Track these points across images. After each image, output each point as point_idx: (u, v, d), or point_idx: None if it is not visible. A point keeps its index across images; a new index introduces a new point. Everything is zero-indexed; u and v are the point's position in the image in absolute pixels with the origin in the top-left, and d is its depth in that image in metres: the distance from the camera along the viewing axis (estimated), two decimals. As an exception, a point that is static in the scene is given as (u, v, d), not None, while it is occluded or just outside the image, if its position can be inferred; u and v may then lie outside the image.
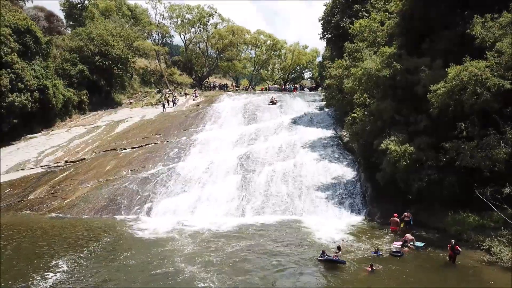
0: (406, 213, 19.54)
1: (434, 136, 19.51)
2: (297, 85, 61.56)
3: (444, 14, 21.73)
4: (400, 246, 17.20)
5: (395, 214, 19.54)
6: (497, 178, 16.86)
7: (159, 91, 51.72)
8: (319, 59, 62.49)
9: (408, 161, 19.20)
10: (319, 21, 40.86)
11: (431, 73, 19.55)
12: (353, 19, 33.73)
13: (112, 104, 47.54)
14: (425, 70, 20.09)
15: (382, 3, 34.18)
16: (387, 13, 29.74)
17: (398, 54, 22.58)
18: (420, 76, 20.14)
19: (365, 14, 33.56)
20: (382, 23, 29.71)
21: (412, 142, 19.79)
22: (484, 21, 18.72)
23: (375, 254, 15.93)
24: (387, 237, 18.74)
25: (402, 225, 19.19)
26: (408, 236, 17.65)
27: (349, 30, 30.72)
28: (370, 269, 14.51)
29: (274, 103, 43.99)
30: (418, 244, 17.38)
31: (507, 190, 15.92)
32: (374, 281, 13.89)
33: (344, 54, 30.32)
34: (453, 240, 15.38)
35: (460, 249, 15.22)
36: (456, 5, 21.60)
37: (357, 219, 21.45)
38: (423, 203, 20.12)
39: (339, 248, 16.08)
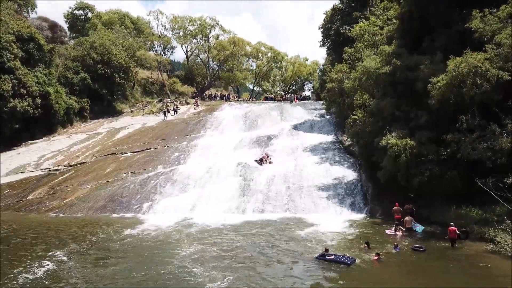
0: (407, 205, 19.47)
1: (434, 131, 19.44)
2: (297, 95, 61.85)
3: (443, 12, 21.92)
4: (393, 232, 17.86)
5: (397, 204, 19.68)
6: (499, 170, 16.71)
7: (160, 101, 51.97)
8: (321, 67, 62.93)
9: (408, 155, 19.08)
10: (319, 28, 41.36)
11: (431, 67, 19.61)
12: (353, 25, 34.11)
13: (113, 112, 47.79)
14: (425, 66, 20.13)
15: (381, 10, 34.66)
16: (386, 17, 30.06)
17: (397, 53, 22.70)
18: (420, 72, 20.17)
19: (365, 21, 33.95)
20: (381, 28, 30.05)
21: (413, 137, 19.71)
22: (483, 15, 18.88)
23: (395, 250, 15.54)
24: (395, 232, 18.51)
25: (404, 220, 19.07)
26: (407, 219, 18.40)
27: (349, 33, 31.00)
28: (377, 257, 14.31)
29: (270, 163, 28.12)
30: (417, 228, 18.15)
31: (510, 180, 15.76)
32: (382, 271, 13.63)
33: (344, 55, 30.50)
34: (451, 223, 16.06)
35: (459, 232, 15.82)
36: (455, 3, 21.79)
37: (359, 217, 21.24)
38: (424, 199, 19.94)
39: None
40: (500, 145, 16.62)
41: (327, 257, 14.34)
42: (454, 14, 21.76)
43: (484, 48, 17.96)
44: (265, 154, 29.26)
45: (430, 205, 19.63)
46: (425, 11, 22.89)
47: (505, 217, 15.87)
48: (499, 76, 16.62)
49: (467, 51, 18.11)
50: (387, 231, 18.22)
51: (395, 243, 15.95)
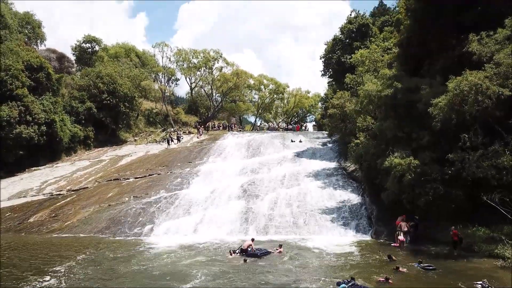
0: (413, 222, 19.41)
1: (437, 151, 19.47)
2: (299, 124, 62.49)
3: (441, 37, 22.53)
4: (397, 244, 18.72)
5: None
6: (505, 188, 16.58)
7: (164, 130, 52.41)
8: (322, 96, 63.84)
9: (413, 174, 19.01)
10: (321, 58, 42.38)
11: (431, 90, 19.90)
12: (354, 54, 35.00)
13: (117, 141, 48.00)
14: (426, 88, 20.46)
15: (380, 40, 35.65)
16: (385, 45, 30.89)
17: (398, 76, 23.13)
18: (421, 94, 20.44)
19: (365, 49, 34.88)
20: (381, 56, 30.79)
21: (416, 158, 19.72)
22: (480, 38, 19.38)
23: (418, 266, 15.30)
24: (400, 252, 18.23)
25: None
26: (402, 223, 19.50)
27: (350, 60, 31.72)
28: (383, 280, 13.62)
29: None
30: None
31: (516, 196, 15.65)
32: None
33: (346, 79, 31.05)
34: (453, 226, 17.05)
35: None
36: (452, 28, 22.43)
37: (364, 238, 20.92)
38: (430, 221, 19.70)
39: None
40: (503, 163, 16.62)
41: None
42: (452, 38, 22.34)
43: (483, 68, 18.30)
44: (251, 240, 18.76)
45: (436, 226, 19.38)
46: (424, 37, 23.57)
47: (513, 231, 15.65)
48: (500, 92, 16.85)
49: (467, 71, 18.44)
50: (392, 244, 18.82)
51: (420, 259, 15.69)
